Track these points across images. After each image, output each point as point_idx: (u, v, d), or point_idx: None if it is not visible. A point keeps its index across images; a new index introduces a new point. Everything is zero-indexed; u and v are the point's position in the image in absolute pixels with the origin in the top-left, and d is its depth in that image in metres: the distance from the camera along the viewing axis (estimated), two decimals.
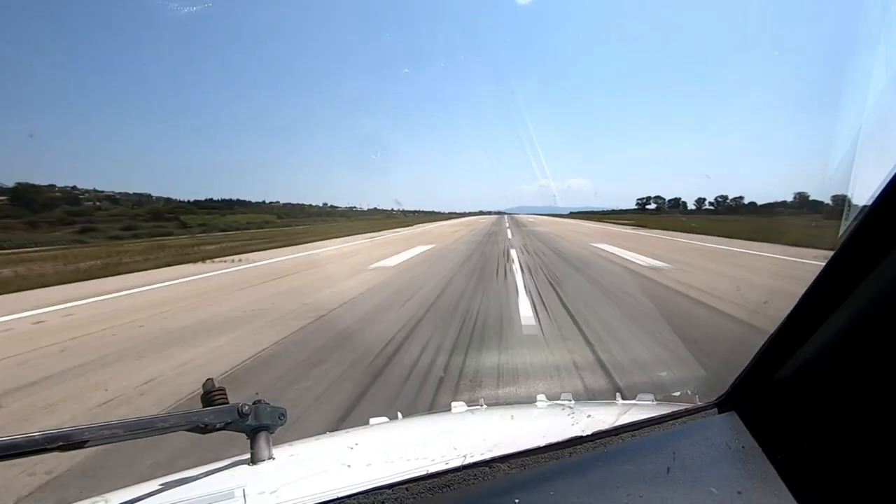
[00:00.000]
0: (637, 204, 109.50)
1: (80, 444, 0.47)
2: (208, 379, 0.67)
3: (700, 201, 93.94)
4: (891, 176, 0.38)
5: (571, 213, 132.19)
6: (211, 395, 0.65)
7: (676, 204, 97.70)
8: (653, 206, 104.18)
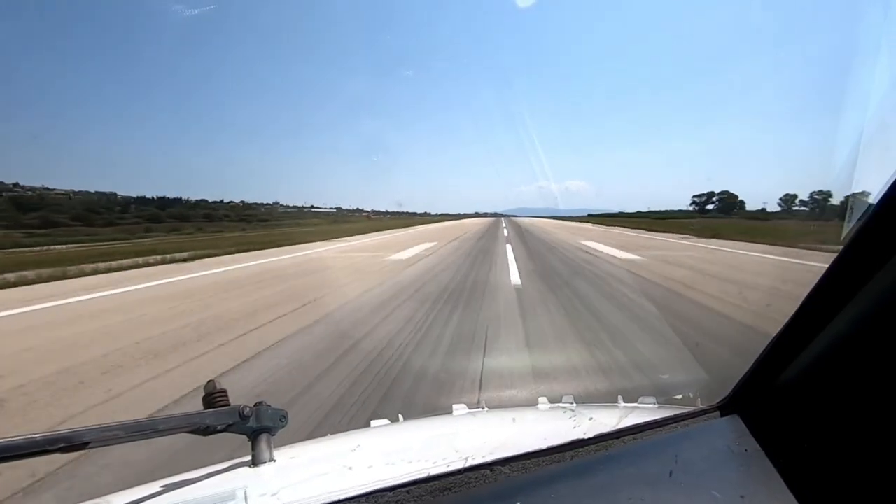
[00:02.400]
0: (693, 203, 79.99)
1: (81, 446, 0.46)
2: (210, 381, 0.67)
3: (788, 199, 60.63)
4: (895, 177, 0.37)
5: (590, 214, 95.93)
6: (212, 396, 0.64)
7: (734, 203, 69.57)
8: (712, 205, 75.05)
